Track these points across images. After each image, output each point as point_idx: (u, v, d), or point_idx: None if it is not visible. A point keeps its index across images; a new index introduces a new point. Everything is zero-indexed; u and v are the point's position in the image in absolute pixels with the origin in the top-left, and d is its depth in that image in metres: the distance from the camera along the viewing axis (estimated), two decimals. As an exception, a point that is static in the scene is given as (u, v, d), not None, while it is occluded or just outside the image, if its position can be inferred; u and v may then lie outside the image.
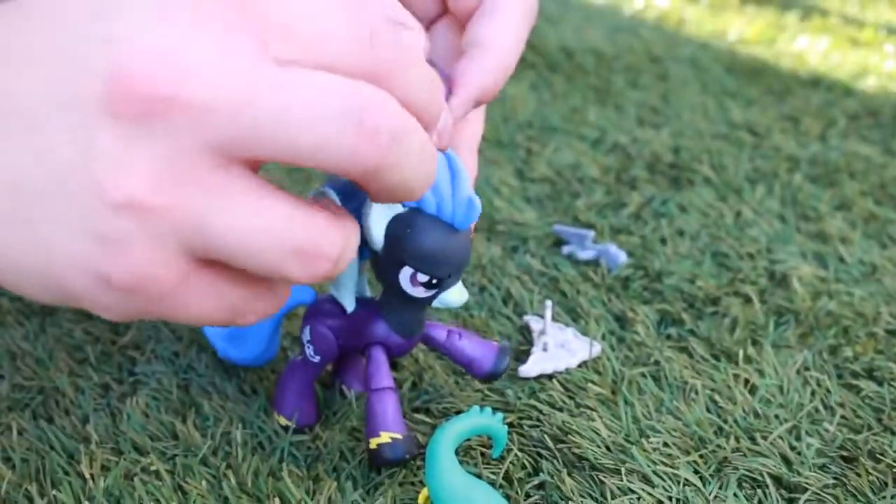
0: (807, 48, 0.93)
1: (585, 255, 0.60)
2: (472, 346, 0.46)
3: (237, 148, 0.30)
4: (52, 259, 0.30)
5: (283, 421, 0.47)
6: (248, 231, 0.30)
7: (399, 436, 0.44)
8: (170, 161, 0.29)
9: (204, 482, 0.44)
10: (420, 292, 0.42)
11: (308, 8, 0.31)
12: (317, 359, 0.46)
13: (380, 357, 0.45)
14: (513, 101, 0.79)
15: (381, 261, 0.42)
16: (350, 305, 0.44)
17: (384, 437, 0.44)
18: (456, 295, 0.42)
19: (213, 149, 0.30)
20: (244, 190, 0.30)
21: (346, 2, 0.32)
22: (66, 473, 0.44)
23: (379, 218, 0.41)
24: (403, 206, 0.41)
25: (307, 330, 0.45)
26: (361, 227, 0.41)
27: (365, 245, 0.41)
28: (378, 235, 0.41)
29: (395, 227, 0.41)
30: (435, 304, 0.43)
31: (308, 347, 0.46)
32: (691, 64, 0.88)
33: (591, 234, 0.60)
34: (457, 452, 0.42)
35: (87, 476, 0.44)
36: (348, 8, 0.32)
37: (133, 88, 0.29)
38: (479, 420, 0.44)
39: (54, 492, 0.43)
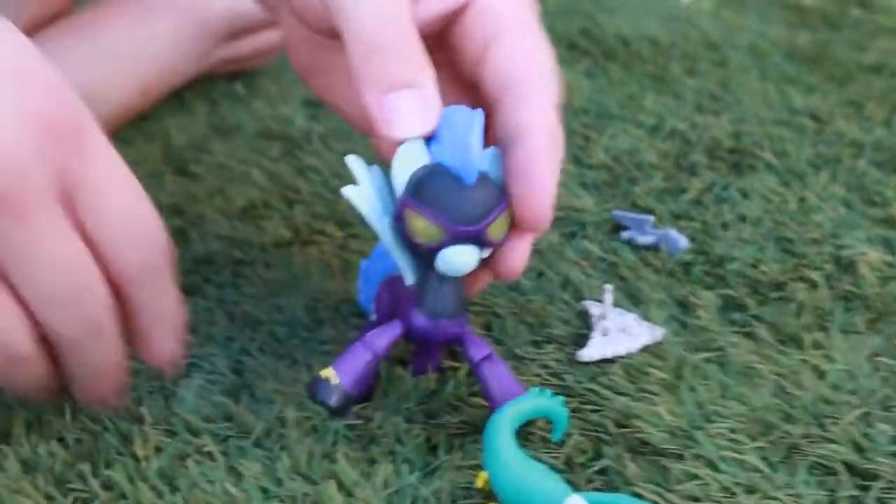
0: (867, 35, 0.90)
1: (645, 240, 0.58)
2: (499, 383, 0.44)
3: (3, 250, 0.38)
4: None
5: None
6: None
7: (337, 381, 0.43)
8: None
9: (258, 464, 0.43)
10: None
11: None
12: (374, 317, 0.46)
13: (397, 328, 0.44)
14: (568, 88, 0.78)
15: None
16: (408, 278, 0.44)
17: (328, 372, 0.43)
18: (460, 256, 0.41)
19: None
20: None
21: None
22: (120, 454, 0.44)
23: (401, 171, 0.42)
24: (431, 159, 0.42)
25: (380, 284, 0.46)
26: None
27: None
28: (399, 186, 0.42)
29: (412, 177, 0.42)
30: (440, 266, 0.42)
31: (373, 305, 0.47)
32: (750, 51, 0.86)
33: (651, 219, 0.58)
34: (516, 437, 0.41)
35: (141, 457, 0.44)
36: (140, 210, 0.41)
37: None
38: (538, 402, 0.43)
39: (107, 472, 0.43)
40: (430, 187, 0.41)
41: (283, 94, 0.77)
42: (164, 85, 0.73)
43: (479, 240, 0.42)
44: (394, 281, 0.45)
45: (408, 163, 0.42)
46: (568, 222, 0.61)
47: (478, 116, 0.42)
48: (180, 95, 0.76)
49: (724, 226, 0.60)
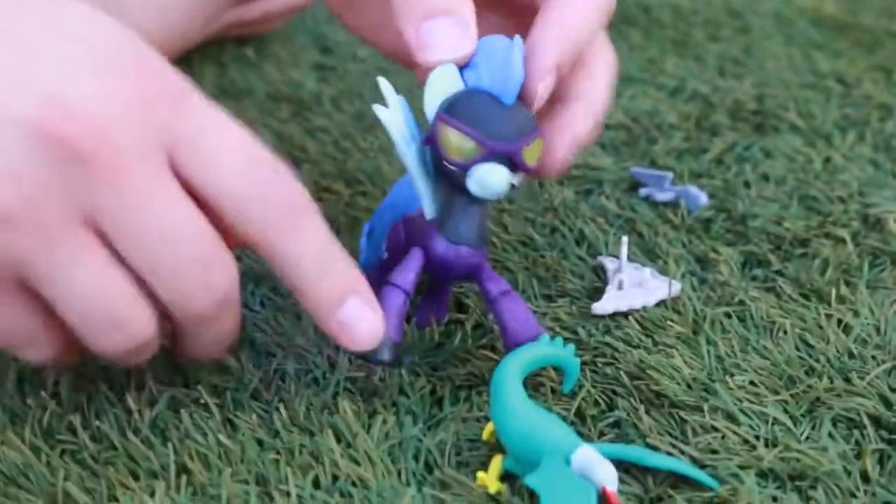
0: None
1: (664, 196, 0.56)
2: (516, 320, 0.43)
3: (100, 220, 0.36)
4: None
5: None
6: (77, 287, 0.36)
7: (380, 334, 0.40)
8: (51, 197, 0.35)
9: (254, 415, 0.41)
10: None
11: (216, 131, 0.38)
12: (385, 255, 0.44)
13: (416, 259, 0.42)
14: (586, 52, 0.76)
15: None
16: (429, 212, 0.42)
17: None
18: (493, 175, 0.40)
19: (81, 209, 0.35)
20: (91, 255, 0.36)
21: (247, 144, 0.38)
22: (112, 405, 0.42)
23: (433, 95, 0.41)
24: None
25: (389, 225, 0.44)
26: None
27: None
28: (431, 111, 0.41)
29: (446, 101, 0.41)
30: (472, 185, 0.40)
31: (384, 243, 0.44)
32: (774, 18, 0.84)
33: (670, 175, 0.56)
34: (525, 386, 0.39)
35: (133, 409, 0.42)
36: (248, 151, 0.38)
37: (62, 130, 0.34)
38: (548, 350, 0.41)
39: (97, 423, 0.41)
40: (466, 105, 0.41)
41: (293, 58, 0.75)
42: (173, 48, 0.71)
43: (512, 161, 0.40)
44: (411, 219, 0.43)
45: (440, 87, 0.41)
46: (584, 180, 0.59)
47: (517, 43, 0.41)
48: (189, 60, 0.74)
49: (746, 184, 0.58)
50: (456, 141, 0.40)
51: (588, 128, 0.46)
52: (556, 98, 0.45)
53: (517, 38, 0.42)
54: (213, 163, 0.37)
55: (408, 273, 0.42)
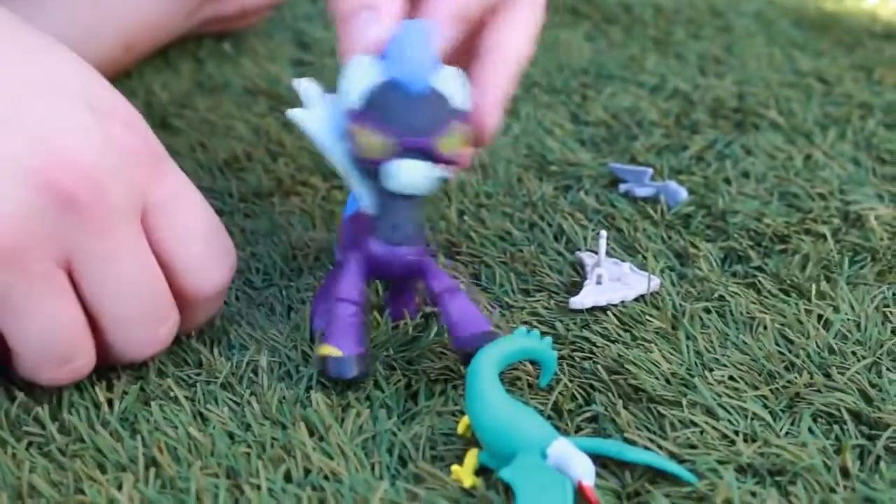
0: (879, 3, 0.88)
1: (643, 192, 0.55)
2: (461, 315, 0.41)
3: (75, 264, 0.38)
4: None
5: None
6: (35, 320, 0.38)
7: (340, 353, 0.40)
8: (39, 240, 0.37)
9: (226, 409, 0.41)
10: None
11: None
12: (338, 254, 0.44)
13: (354, 266, 0.41)
14: (567, 49, 0.75)
15: None
16: (367, 208, 0.41)
17: (327, 349, 0.41)
18: (409, 171, 0.39)
19: (62, 252, 0.37)
20: (55, 286, 0.38)
21: None
22: (81, 398, 0.41)
23: (349, 89, 0.40)
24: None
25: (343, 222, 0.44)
26: None
27: None
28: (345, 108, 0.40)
29: (361, 94, 0.40)
30: (389, 183, 0.39)
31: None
32: (756, 17, 0.83)
33: (650, 171, 0.56)
34: (501, 381, 0.39)
35: (103, 400, 0.41)
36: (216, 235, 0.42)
37: (53, 172, 0.36)
38: (524, 342, 0.40)
39: (66, 415, 0.40)
40: (377, 101, 0.39)
41: (271, 54, 0.75)
42: (150, 41, 0.70)
43: (429, 153, 0.39)
44: (356, 217, 0.43)
45: (356, 80, 0.40)
46: (563, 176, 0.58)
47: (428, 28, 0.40)
48: (166, 54, 0.73)
49: (727, 181, 0.58)
50: (367, 140, 0.39)
51: (502, 83, 0.45)
52: (469, 55, 0.45)
53: (423, 22, 0.40)
54: (178, 234, 0.41)
55: (351, 283, 0.41)
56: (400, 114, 0.39)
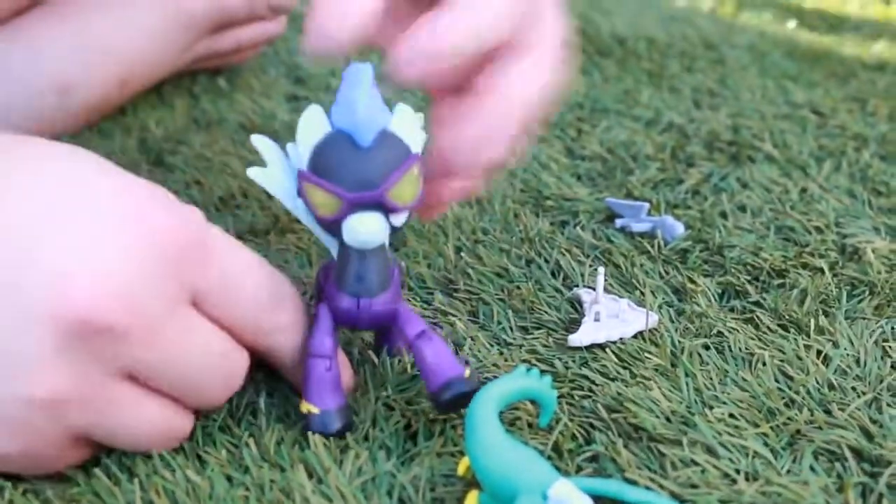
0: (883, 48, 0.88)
1: (640, 227, 0.55)
2: (436, 360, 0.41)
3: (135, 370, 0.37)
4: None
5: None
6: (133, 428, 0.38)
7: (317, 410, 0.40)
8: (85, 374, 0.36)
9: (224, 451, 0.40)
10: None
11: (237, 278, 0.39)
12: (311, 302, 0.43)
13: (323, 319, 0.41)
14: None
15: None
16: (332, 250, 0.41)
17: (307, 407, 0.40)
18: (363, 225, 0.38)
19: (118, 368, 0.36)
20: (130, 397, 0.37)
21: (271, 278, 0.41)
22: (77, 441, 0.41)
23: (302, 143, 0.39)
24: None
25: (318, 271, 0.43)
26: None
27: None
28: (299, 162, 0.39)
29: (313, 149, 0.39)
30: (346, 238, 0.39)
31: None
32: (749, 50, 0.84)
33: (646, 206, 0.56)
34: (501, 421, 0.38)
35: (99, 444, 0.41)
36: (271, 283, 0.40)
37: (76, 312, 0.35)
38: (524, 382, 0.40)
39: (62, 459, 0.40)
40: (325, 156, 0.38)
41: (265, 90, 0.75)
42: (145, 77, 0.70)
43: (381, 205, 0.38)
44: (327, 267, 0.42)
45: (306, 134, 0.39)
46: (559, 211, 0.58)
47: (366, 70, 0.38)
48: (161, 90, 0.74)
49: (723, 215, 0.58)
50: (318, 197, 0.38)
51: (496, 123, 0.41)
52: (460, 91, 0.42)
53: (368, 66, 0.38)
54: (235, 314, 0.40)
55: (321, 339, 0.41)
56: (348, 168, 0.38)
